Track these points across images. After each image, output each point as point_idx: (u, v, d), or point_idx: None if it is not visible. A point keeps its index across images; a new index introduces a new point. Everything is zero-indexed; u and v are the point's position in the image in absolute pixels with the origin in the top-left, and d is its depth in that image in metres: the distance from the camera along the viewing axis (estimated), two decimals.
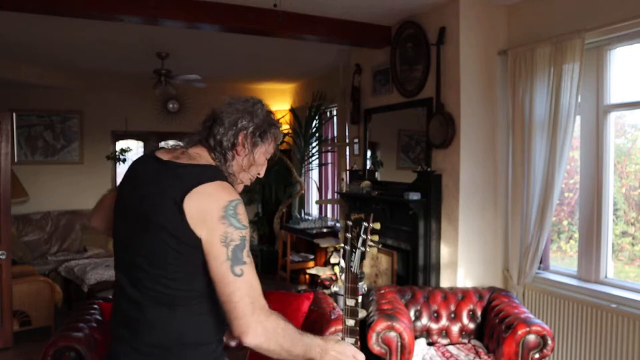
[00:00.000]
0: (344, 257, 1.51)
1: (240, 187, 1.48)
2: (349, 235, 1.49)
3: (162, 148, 1.46)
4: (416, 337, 3.19)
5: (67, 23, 3.94)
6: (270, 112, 1.49)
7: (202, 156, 1.40)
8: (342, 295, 3.85)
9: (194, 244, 1.25)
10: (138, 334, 1.30)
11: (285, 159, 6.35)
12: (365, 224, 1.49)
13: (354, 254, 1.49)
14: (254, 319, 1.21)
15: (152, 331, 1.29)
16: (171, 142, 1.53)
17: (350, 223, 1.49)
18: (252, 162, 1.46)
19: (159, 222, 1.27)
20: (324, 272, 4.99)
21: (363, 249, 1.48)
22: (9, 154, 4.18)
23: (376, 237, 1.56)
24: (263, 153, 1.47)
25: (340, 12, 3.87)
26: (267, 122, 1.46)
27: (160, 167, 1.35)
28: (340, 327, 2.78)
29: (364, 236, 1.48)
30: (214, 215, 1.24)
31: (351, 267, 1.49)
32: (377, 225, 1.50)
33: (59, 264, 5.44)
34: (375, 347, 2.89)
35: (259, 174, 1.51)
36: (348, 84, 4.98)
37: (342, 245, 1.51)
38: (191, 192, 1.26)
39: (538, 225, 3.35)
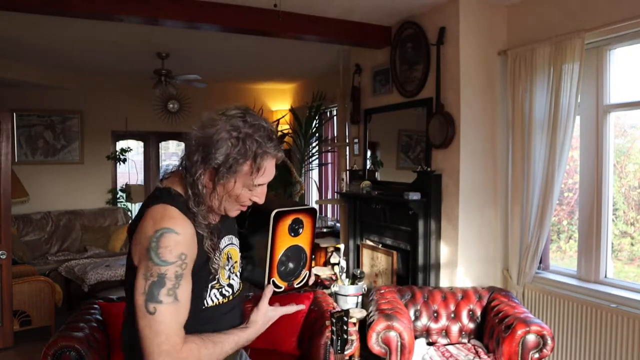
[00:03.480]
0: (331, 344, 1.98)
1: (234, 214, 1.39)
2: (334, 328, 1.95)
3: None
4: (416, 337, 3.19)
5: (67, 23, 3.94)
6: (247, 136, 1.26)
7: (171, 181, 1.36)
8: (342, 295, 3.86)
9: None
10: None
11: (285, 158, 6.35)
12: (345, 318, 1.93)
13: (339, 340, 1.94)
14: (161, 358, 1.20)
15: (122, 332, 1.42)
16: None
17: (334, 320, 1.93)
18: (227, 195, 1.31)
19: (129, 250, 1.33)
20: (323, 272, 4.99)
21: (345, 336, 1.95)
22: (9, 154, 4.18)
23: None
24: (239, 187, 1.30)
25: (341, 12, 3.87)
26: (236, 152, 1.26)
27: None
28: None
29: (346, 327, 1.95)
30: (143, 245, 1.23)
31: (338, 351, 1.95)
32: (354, 319, 2.05)
33: (59, 264, 5.44)
34: (375, 347, 2.89)
35: (252, 200, 1.35)
36: (348, 84, 4.99)
37: (330, 337, 2.01)
38: (140, 219, 1.28)
39: (538, 225, 3.35)
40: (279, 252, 1.41)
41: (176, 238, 1.22)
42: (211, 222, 1.35)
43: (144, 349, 1.20)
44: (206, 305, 1.37)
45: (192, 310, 1.28)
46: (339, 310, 2.07)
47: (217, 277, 1.39)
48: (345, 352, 2.74)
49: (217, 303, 1.40)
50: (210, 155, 1.25)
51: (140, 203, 7.26)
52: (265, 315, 1.43)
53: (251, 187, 1.32)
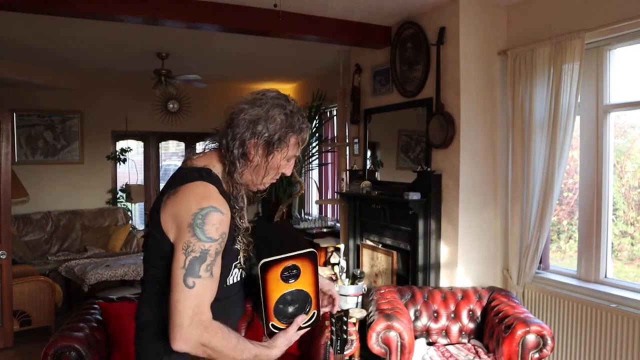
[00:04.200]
0: (331, 344, 1.91)
1: (265, 187, 1.48)
2: (333, 328, 1.89)
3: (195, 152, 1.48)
4: (416, 337, 3.19)
5: (67, 23, 3.94)
6: (292, 113, 1.40)
7: (208, 160, 1.40)
8: (342, 295, 3.86)
9: (168, 247, 1.30)
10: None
11: None
12: (345, 318, 1.86)
13: (339, 340, 1.88)
14: (189, 330, 1.22)
15: (138, 312, 1.45)
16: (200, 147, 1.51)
17: (333, 320, 1.88)
18: (271, 167, 1.41)
19: (151, 222, 1.37)
20: (323, 272, 4.99)
21: (345, 336, 1.87)
22: (9, 154, 4.19)
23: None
24: (282, 158, 1.42)
25: (340, 12, 3.87)
26: (285, 126, 1.38)
27: (174, 173, 1.41)
28: None
29: (345, 327, 1.88)
30: (183, 220, 1.26)
31: (338, 351, 1.89)
32: (353, 319, 1.96)
33: (59, 264, 5.44)
34: (375, 347, 2.89)
35: (283, 173, 1.47)
36: (348, 84, 4.99)
37: (330, 337, 1.93)
38: (169, 194, 1.31)
39: (538, 225, 3.35)
40: (274, 299, 1.38)
41: (221, 217, 1.28)
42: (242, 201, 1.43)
43: (174, 321, 1.22)
44: (227, 284, 1.41)
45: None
46: (339, 310, 2.05)
47: (239, 257, 1.44)
48: (345, 352, 2.74)
49: (234, 282, 1.44)
50: (263, 130, 1.36)
51: (140, 203, 7.32)
52: (289, 339, 1.41)
53: (290, 158, 1.44)
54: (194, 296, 1.23)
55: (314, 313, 1.44)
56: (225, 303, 1.39)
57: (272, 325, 1.39)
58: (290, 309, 1.40)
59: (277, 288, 1.37)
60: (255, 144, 1.36)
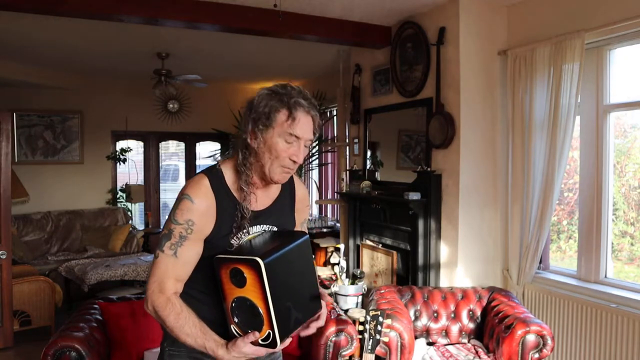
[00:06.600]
0: (361, 343, 1.91)
1: (285, 177, 1.46)
2: (367, 326, 1.87)
3: None
4: (416, 337, 3.19)
5: (67, 23, 3.94)
6: (279, 91, 1.38)
7: (228, 161, 1.49)
8: (342, 295, 3.86)
9: None
10: None
11: None
12: (380, 318, 1.85)
13: (371, 340, 1.85)
14: (150, 293, 1.39)
15: None
16: None
17: (369, 318, 1.87)
18: (268, 149, 1.40)
19: None
20: (323, 272, 4.99)
21: (379, 337, 1.86)
22: (9, 154, 4.18)
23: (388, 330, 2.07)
24: (275, 136, 1.38)
25: (340, 12, 3.88)
26: (271, 102, 1.37)
27: None
28: (340, 327, 2.78)
29: (380, 328, 1.85)
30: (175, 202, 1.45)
31: (369, 350, 1.86)
32: (389, 321, 1.92)
33: (59, 264, 5.44)
34: None
35: (291, 159, 1.41)
36: (348, 84, 4.99)
37: (361, 335, 1.93)
38: None
39: (538, 225, 3.35)
40: (229, 300, 1.35)
41: (190, 205, 1.39)
42: (250, 193, 1.44)
43: (146, 285, 1.41)
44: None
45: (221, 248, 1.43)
46: (375, 309, 1.99)
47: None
48: (347, 352, 2.73)
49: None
50: (253, 107, 1.40)
51: (140, 203, 7.34)
52: (240, 350, 1.34)
53: (288, 137, 1.39)
54: (156, 267, 1.40)
55: (268, 333, 1.33)
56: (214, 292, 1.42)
57: (233, 328, 1.36)
58: (241, 317, 1.35)
59: (230, 289, 1.35)
60: (251, 131, 1.41)
